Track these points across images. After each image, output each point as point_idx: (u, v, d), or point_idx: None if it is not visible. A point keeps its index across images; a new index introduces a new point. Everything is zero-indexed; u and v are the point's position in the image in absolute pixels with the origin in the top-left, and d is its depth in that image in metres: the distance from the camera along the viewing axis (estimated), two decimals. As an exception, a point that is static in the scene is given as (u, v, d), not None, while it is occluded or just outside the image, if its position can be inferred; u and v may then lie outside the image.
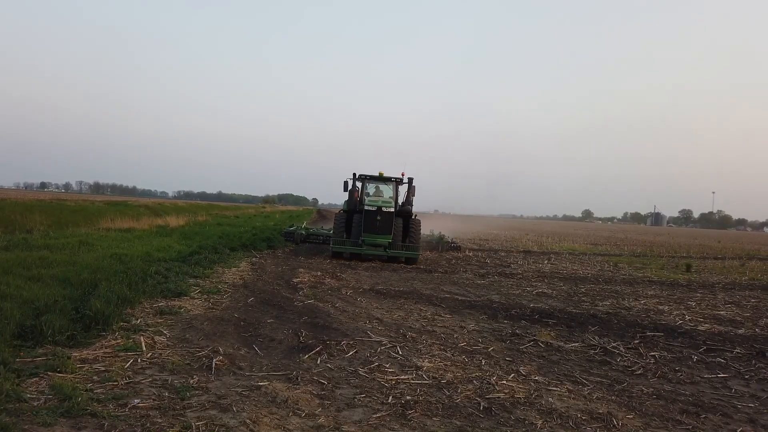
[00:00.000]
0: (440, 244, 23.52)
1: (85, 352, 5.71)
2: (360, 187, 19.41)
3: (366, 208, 17.57)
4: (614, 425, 4.77)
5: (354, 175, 18.93)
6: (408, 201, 18.86)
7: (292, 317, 8.32)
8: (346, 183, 18.84)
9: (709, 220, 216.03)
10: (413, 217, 18.97)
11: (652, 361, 7.05)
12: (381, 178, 18.98)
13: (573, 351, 7.42)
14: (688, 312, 10.82)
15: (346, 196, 19.50)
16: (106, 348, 5.90)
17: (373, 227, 17.44)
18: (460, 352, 6.95)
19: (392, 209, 17.73)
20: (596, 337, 8.18)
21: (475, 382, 5.72)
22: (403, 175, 18.76)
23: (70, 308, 7.03)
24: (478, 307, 10.32)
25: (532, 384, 5.80)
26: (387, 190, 19.46)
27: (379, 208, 17.54)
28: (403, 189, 19.18)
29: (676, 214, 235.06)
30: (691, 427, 4.91)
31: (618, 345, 7.77)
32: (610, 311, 10.60)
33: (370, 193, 19.22)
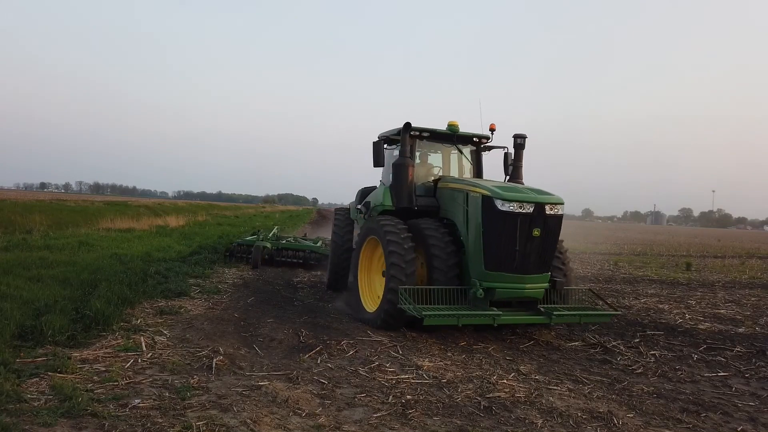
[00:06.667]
0: None
1: (85, 352, 5.71)
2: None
3: (503, 208, 7.24)
4: (614, 424, 4.77)
5: (407, 126, 8.51)
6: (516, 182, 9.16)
7: (292, 317, 8.32)
8: (378, 146, 8.98)
9: (709, 218, 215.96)
10: None
11: (652, 360, 7.05)
12: (455, 136, 9.32)
13: (573, 350, 7.42)
14: (688, 311, 10.82)
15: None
16: (106, 348, 5.90)
17: (513, 257, 7.34)
18: (461, 351, 6.95)
19: (562, 210, 7.62)
20: (596, 336, 8.18)
21: (475, 381, 5.72)
22: (492, 130, 9.43)
23: (71, 308, 7.04)
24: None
25: (533, 383, 5.80)
26: (438, 160, 10.01)
27: (540, 207, 7.34)
28: (489, 160, 9.87)
29: (675, 213, 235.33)
30: (691, 425, 4.90)
31: (618, 344, 7.77)
32: (610, 310, 10.59)
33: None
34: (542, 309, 7.66)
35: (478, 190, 7.68)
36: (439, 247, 7.66)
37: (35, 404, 4.31)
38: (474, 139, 9.53)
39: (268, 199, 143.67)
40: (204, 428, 4.09)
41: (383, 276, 7.99)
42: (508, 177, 9.41)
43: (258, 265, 13.32)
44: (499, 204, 7.28)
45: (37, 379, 4.85)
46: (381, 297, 7.93)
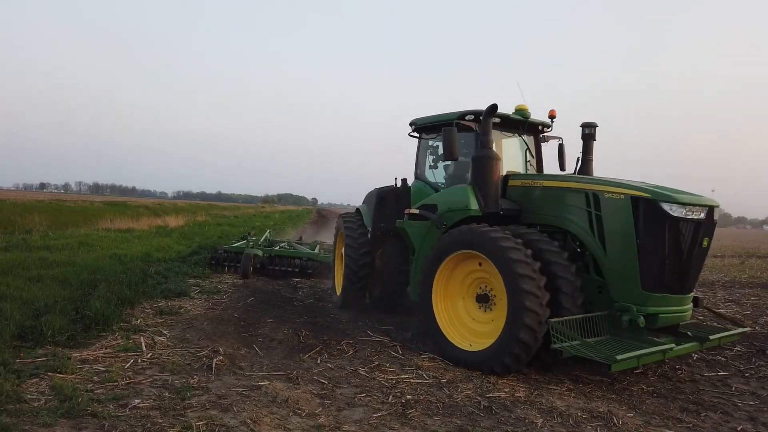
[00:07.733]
0: None
1: (85, 352, 5.71)
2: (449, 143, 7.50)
3: (676, 214, 5.81)
4: (614, 423, 4.77)
5: (492, 109, 6.90)
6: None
7: (292, 317, 8.31)
8: (451, 133, 7.03)
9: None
10: None
11: (652, 360, 7.05)
12: (526, 123, 7.99)
13: (573, 350, 7.41)
14: (688, 310, 10.81)
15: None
16: (106, 348, 5.90)
17: (677, 274, 6.05)
18: (461, 351, 6.93)
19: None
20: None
21: (475, 380, 5.73)
22: (553, 117, 8.24)
23: (70, 309, 7.04)
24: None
25: (533, 382, 5.81)
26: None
27: (711, 212, 6.09)
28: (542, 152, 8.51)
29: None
30: (691, 425, 4.91)
31: (618, 343, 7.76)
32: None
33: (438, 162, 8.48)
34: (690, 333, 6.46)
35: (621, 190, 6.10)
36: (564, 267, 6.10)
37: (35, 404, 4.32)
38: (538, 127, 8.24)
39: (267, 199, 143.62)
40: (204, 428, 4.09)
41: (477, 302, 6.58)
42: (567, 172, 8.17)
43: (249, 276, 12.07)
44: (668, 208, 5.82)
45: (37, 379, 4.86)
46: (474, 329, 6.56)
